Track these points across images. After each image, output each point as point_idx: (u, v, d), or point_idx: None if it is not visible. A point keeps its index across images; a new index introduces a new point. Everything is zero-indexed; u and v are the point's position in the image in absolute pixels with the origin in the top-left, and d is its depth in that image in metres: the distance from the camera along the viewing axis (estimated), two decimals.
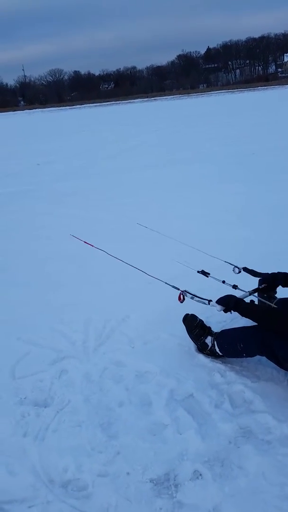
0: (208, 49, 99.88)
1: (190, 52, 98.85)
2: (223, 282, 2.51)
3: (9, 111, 63.05)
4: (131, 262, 2.88)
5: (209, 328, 2.42)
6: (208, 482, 1.69)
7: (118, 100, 62.16)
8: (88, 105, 59.97)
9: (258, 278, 2.50)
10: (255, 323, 2.13)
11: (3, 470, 1.79)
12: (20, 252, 4.29)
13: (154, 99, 56.59)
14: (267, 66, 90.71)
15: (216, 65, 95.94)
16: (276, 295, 2.50)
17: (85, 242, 3.24)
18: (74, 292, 3.31)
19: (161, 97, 59.77)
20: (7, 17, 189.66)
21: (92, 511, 1.63)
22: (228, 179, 6.70)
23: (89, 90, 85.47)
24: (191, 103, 36.07)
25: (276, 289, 2.47)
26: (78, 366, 2.41)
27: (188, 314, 2.48)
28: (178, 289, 2.44)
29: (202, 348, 2.40)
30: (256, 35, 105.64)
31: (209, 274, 2.64)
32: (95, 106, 55.23)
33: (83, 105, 60.02)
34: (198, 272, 2.67)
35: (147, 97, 63.03)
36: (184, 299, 2.40)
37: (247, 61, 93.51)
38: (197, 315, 2.47)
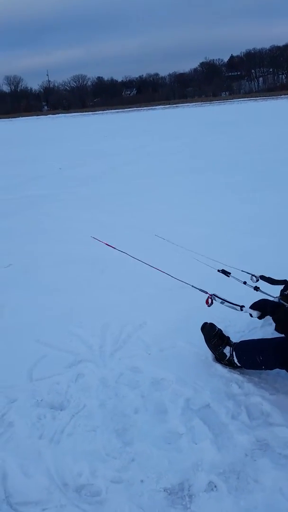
0: (232, 57, 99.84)
1: (213, 59, 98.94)
2: (245, 283, 2.48)
3: (33, 115, 64.26)
4: (151, 270, 2.87)
5: (228, 338, 2.39)
6: (223, 494, 1.67)
7: (140, 107, 62.65)
8: (110, 111, 60.59)
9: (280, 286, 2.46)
10: (274, 335, 2.10)
11: (19, 472, 1.80)
12: (42, 256, 4.34)
13: (176, 106, 56.78)
14: None
15: (239, 73, 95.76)
16: None
17: (106, 244, 3.25)
18: (93, 296, 3.33)
19: (183, 104, 59.94)
20: (35, 24, 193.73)
21: None
22: (251, 188, 6.65)
23: (111, 96, 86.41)
24: (213, 111, 36.04)
25: None
26: (94, 370, 2.42)
27: (206, 322, 2.45)
28: (207, 293, 2.33)
29: (220, 358, 2.38)
30: (281, 43, 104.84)
31: (230, 273, 2.60)
32: (117, 112, 55.72)
33: (105, 111, 60.67)
34: (218, 271, 2.63)
35: (169, 104, 63.29)
36: (212, 303, 2.27)
37: (271, 70, 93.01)
38: (215, 324, 2.45)
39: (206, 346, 2.44)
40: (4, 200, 7.31)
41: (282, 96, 54.40)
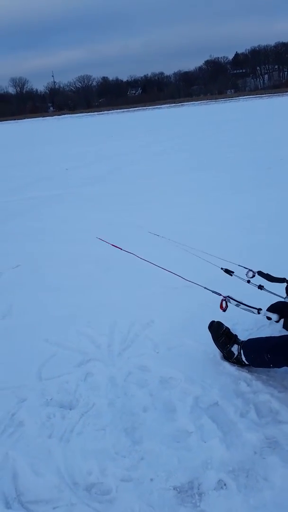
0: (236, 54, 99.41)
1: (218, 57, 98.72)
2: (248, 282, 2.46)
3: (39, 117, 64.51)
4: (159, 270, 2.88)
5: (236, 336, 2.39)
6: (233, 492, 1.67)
7: (146, 106, 62.61)
8: (115, 110, 60.64)
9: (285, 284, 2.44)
10: (282, 333, 2.09)
11: (29, 470, 1.81)
12: (49, 256, 4.36)
13: (181, 105, 56.67)
14: None
15: (244, 71, 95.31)
16: None
17: (112, 245, 3.27)
18: (100, 295, 3.34)
19: (188, 103, 59.80)
20: (39, 26, 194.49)
21: None
22: (257, 185, 6.62)
23: (116, 96, 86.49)
24: (219, 109, 35.92)
25: None
26: (103, 369, 2.43)
27: (214, 321, 2.45)
28: (220, 295, 2.27)
29: (228, 356, 2.37)
30: (286, 39, 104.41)
31: (233, 272, 2.58)
32: (123, 111, 55.75)
33: (110, 111, 60.73)
34: (221, 269, 2.62)
35: (174, 103, 63.19)
36: (227, 306, 2.20)
37: (276, 66, 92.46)
38: (223, 322, 2.44)
39: (214, 344, 2.44)
40: (11, 202, 7.36)
41: None
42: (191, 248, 3.44)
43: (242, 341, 2.34)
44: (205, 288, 2.46)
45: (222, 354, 2.41)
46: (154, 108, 56.82)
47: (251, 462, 1.79)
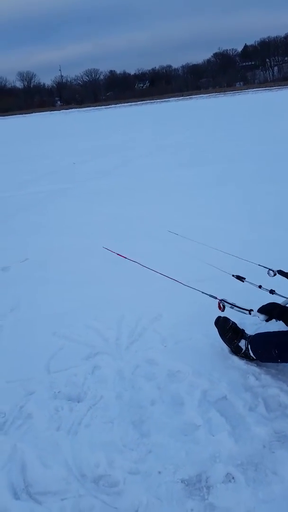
0: (245, 46, 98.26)
1: (227, 49, 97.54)
2: (260, 287, 2.45)
3: (47, 111, 64.50)
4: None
5: (243, 330, 2.37)
6: (241, 486, 1.66)
7: (153, 99, 62.26)
8: (123, 104, 60.40)
9: None
10: None
11: (37, 462, 1.82)
12: (57, 250, 4.37)
13: (190, 98, 56.25)
14: None
15: (253, 63, 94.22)
16: None
17: (118, 254, 3.27)
18: (108, 289, 3.34)
19: (197, 96, 59.33)
20: (46, 20, 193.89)
21: (123, 508, 1.63)
22: (265, 179, 6.56)
23: (124, 90, 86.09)
24: (227, 101, 35.60)
25: None
26: (111, 362, 2.43)
27: (220, 316, 2.42)
28: (216, 298, 2.39)
29: (235, 351, 2.36)
30: None
31: (244, 279, 2.58)
32: (130, 105, 55.51)
33: (118, 105, 60.51)
34: (233, 276, 2.62)
35: (182, 96, 62.75)
36: (224, 307, 2.34)
37: (286, 58, 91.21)
38: (229, 318, 2.42)
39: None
40: (19, 196, 7.38)
41: None
42: (204, 245, 3.43)
43: (250, 336, 2.32)
44: (202, 292, 2.49)
45: (229, 348, 2.40)
46: (162, 101, 56.49)
47: (260, 456, 1.78)
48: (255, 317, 2.20)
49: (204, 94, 62.35)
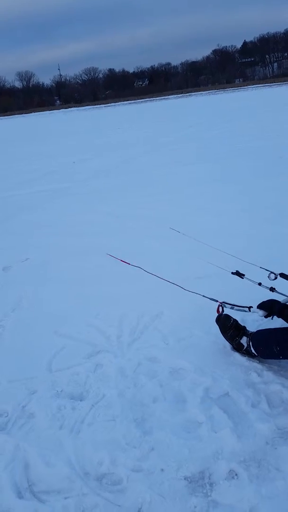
0: (245, 43, 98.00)
1: (226, 46, 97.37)
2: (259, 284, 2.44)
3: (46, 110, 64.43)
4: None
5: (244, 327, 2.36)
6: (244, 482, 1.66)
7: (153, 97, 62.13)
8: (122, 102, 60.31)
9: None
10: None
11: (41, 461, 1.82)
12: (58, 249, 4.36)
13: (189, 95, 56.15)
14: None
15: (252, 59, 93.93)
16: None
17: (121, 260, 3.27)
18: (109, 287, 3.34)
19: (196, 93, 59.22)
20: (44, 19, 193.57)
21: (126, 505, 1.63)
22: (266, 175, 6.54)
23: (123, 88, 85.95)
24: (227, 98, 35.51)
25: None
26: (112, 360, 2.43)
27: (221, 314, 2.42)
28: (217, 301, 2.42)
29: (237, 348, 2.36)
30: None
31: (244, 275, 2.57)
32: (130, 103, 55.43)
33: (117, 103, 60.42)
34: (232, 273, 2.61)
35: (181, 93, 62.62)
36: (223, 311, 2.37)
37: (286, 54, 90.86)
38: (230, 315, 2.42)
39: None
40: (19, 195, 7.37)
41: None
42: (205, 244, 3.42)
43: (251, 333, 2.31)
44: (203, 296, 2.53)
45: (231, 345, 2.39)
46: (161, 99, 56.35)
47: (263, 452, 1.78)
48: (256, 314, 2.20)
49: (204, 91, 62.22)
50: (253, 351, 2.26)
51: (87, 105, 65.10)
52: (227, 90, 55.82)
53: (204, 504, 1.60)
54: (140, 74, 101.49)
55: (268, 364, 2.25)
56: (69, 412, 2.09)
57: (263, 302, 2.14)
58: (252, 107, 21.24)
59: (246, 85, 62.35)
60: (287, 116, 14.60)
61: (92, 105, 65.10)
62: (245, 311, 2.26)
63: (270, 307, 2.09)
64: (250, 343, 2.27)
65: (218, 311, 2.36)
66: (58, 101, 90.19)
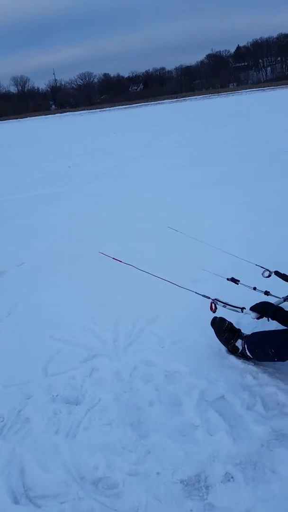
0: (238, 47, 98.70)
1: (220, 51, 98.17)
2: (254, 288, 2.46)
3: (41, 115, 64.48)
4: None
5: (239, 330, 2.37)
6: (240, 485, 1.66)
7: (148, 102, 62.38)
8: (117, 107, 60.49)
9: None
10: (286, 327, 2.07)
11: (36, 466, 1.82)
12: (53, 253, 4.36)
13: (184, 99, 56.43)
14: None
15: (246, 64, 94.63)
16: None
17: (113, 258, 3.29)
18: (105, 291, 3.34)
19: (191, 97, 59.53)
20: (39, 24, 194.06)
21: (122, 509, 1.63)
22: (261, 178, 6.58)
23: (118, 92, 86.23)
24: (221, 102, 35.72)
25: None
26: (108, 364, 2.43)
27: (216, 317, 2.43)
28: (209, 298, 2.42)
29: (232, 351, 2.37)
30: None
31: (239, 281, 2.58)
32: (125, 108, 55.60)
33: (112, 107, 60.60)
34: (227, 279, 2.63)
35: (176, 98, 62.92)
36: (216, 308, 2.37)
37: (279, 58, 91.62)
38: (225, 318, 2.42)
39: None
40: (15, 200, 7.37)
41: None
42: (202, 242, 3.44)
43: (246, 335, 2.32)
44: (196, 293, 2.52)
45: (226, 348, 2.40)
46: (156, 103, 56.59)
47: (259, 454, 1.78)
48: (249, 316, 2.21)
49: (198, 95, 62.56)
50: (248, 353, 2.27)
51: (82, 110, 65.24)
52: (221, 95, 56.17)
53: (201, 507, 1.61)
54: (135, 79, 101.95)
55: (263, 367, 2.26)
56: (65, 416, 2.09)
57: (256, 304, 2.15)
58: (247, 111, 21.38)
59: (240, 90, 62.78)
60: (281, 120, 14.70)
61: (87, 109, 65.25)
62: (237, 311, 2.27)
63: (263, 310, 2.10)
64: (245, 346, 2.28)
65: (211, 308, 2.36)
66: (53, 106, 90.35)
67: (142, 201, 6.13)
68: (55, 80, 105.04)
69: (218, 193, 6.04)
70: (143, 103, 60.44)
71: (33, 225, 5.62)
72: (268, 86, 58.32)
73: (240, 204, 5.32)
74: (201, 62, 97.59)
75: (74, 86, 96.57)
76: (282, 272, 2.51)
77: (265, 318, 2.14)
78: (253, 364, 2.29)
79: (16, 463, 1.86)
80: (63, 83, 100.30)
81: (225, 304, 2.35)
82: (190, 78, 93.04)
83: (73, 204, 6.56)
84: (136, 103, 62.44)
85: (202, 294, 2.49)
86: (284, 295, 2.38)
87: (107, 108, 60.95)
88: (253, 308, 2.15)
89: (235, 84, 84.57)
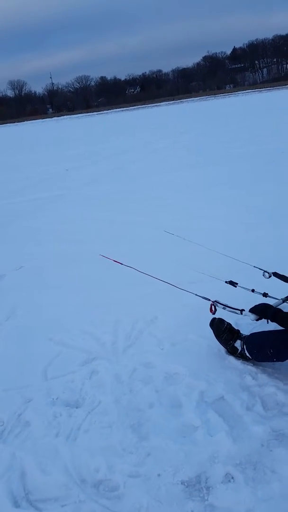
0: (234, 49, 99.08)
1: (216, 53, 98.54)
2: (253, 290, 2.47)
3: (38, 119, 64.59)
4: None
5: (238, 331, 2.38)
6: (241, 485, 1.67)
7: (145, 104, 62.55)
8: (114, 110, 60.62)
9: None
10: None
11: (37, 469, 1.82)
12: (52, 257, 4.37)
13: (181, 102, 56.56)
14: None
15: (242, 65, 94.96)
16: None
17: (114, 260, 3.29)
18: (103, 294, 3.34)
19: (188, 99, 59.70)
20: (35, 28, 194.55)
21: None
22: (258, 179, 6.60)
23: (115, 95, 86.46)
24: (218, 104, 35.81)
25: None
26: (108, 367, 2.43)
27: (215, 318, 2.43)
28: (209, 300, 2.43)
29: (231, 352, 2.37)
30: (284, 32, 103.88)
31: (237, 284, 2.59)
32: (122, 110, 55.71)
33: (110, 110, 60.72)
34: (226, 282, 2.64)
35: (173, 100, 63.08)
36: (216, 309, 2.38)
37: (275, 59, 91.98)
38: (224, 319, 2.43)
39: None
40: (13, 204, 7.38)
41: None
42: (200, 245, 3.44)
43: (245, 336, 2.33)
44: (196, 295, 2.52)
45: (225, 349, 2.41)
46: (153, 106, 56.73)
47: (258, 454, 1.78)
48: (248, 317, 2.22)
49: (195, 97, 62.74)
50: (247, 354, 2.28)
51: (79, 113, 65.38)
52: (218, 96, 56.33)
53: (201, 508, 1.61)
54: (131, 82, 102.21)
55: (262, 367, 2.26)
56: (65, 419, 2.09)
57: (255, 306, 2.16)
58: (243, 113, 21.44)
59: (237, 91, 62.99)
60: (277, 121, 14.75)
61: (85, 112, 65.41)
62: (237, 313, 2.28)
63: (262, 312, 2.10)
64: (244, 346, 2.28)
65: (211, 310, 2.37)
66: (50, 110, 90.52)
67: (141, 203, 6.14)
68: (52, 83, 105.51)
69: (215, 195, 6.05)
70: (140, 106, 60.61)
71: (32, 228, 5.62)
72: (265, 87, 58.54)
73: (237, 206, 5.34)
74: (198, 64, 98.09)
75: (71, 89, 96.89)
76: (281, 273, 2.52)
77: (264, 320, 2.15)
78: (252, 364, 2.29)
79: (17, 467, 1.86)
80: (60, 86, 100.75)
81: (225, 306, 2.36)
82: (186, 80, 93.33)
83: (71, 207, 6.57)
84: (133, 106, 62.60)
85: (202, 296, 2.50)
86: (283, 297, 2.40)
87: (105, 111, 61.08)
88: (252, 310, 2.16)
89: (231, 85, 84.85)
